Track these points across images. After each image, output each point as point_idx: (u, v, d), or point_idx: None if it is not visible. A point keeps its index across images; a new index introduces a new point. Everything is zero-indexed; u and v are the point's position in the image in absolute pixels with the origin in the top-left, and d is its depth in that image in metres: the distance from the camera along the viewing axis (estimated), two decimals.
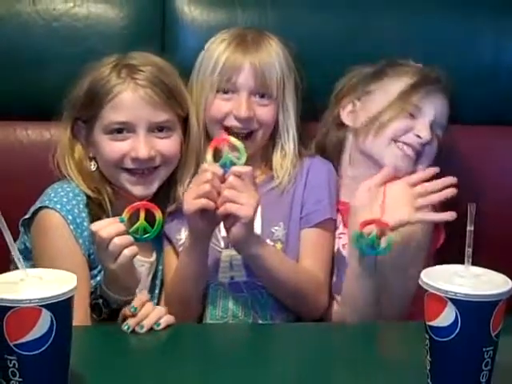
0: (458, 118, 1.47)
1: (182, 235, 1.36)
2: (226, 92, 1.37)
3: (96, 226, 1.14)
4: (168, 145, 1.32)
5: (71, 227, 1.27)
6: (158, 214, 1.17)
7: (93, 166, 1.34)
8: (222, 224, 1.27)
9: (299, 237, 1.37)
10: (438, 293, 0.88)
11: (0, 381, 0.87)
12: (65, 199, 1.29)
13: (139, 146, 1.28)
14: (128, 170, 1.31)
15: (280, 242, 1.35)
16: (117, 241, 1.12)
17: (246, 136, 1.37)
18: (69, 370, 0.90)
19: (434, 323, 0.90)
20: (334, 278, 1.39)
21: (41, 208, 1.29)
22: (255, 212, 1.20)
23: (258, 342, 1.14)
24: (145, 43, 1.52)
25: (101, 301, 1.17)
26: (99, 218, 1.22)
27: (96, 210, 1.29)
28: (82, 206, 1.30)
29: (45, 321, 0.85)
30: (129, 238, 1.13)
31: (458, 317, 0.87)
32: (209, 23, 1.52)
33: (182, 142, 1.36)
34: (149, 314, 1.13)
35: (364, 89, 1.45)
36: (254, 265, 1.29)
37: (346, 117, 1.45)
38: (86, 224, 1.28)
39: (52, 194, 1.30)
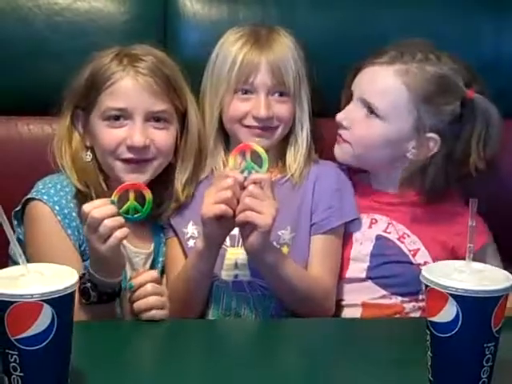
0: None
1: (189, 229, 1.35)
2: (244, 92, 1.37)
3: (88, 206, 1.13)
4: (163, 136, 1.31)
5: (58, 217, 1.27)
6: (148, 194, 1.17)
7: (88, 156, 1.33)
8: None
9: (307, 242, 1.36)
10: (438, 288, 0.88)
11: (1, 375, 0.88)
12: (52, 190, 1.29)
13: (135, 133, 1.28)
14: (123, 160, 1.30)
15: (286, 245, 1.34)
16: (108, 222, 1.11)
17: (266, 129, 1.37)
18: (70, 364, 0.90)
19: (435, 319, 0.90)
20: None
21: (29, 200, 1.30)
22: (274, 221, 1.19)
23: (263, 338, 1.14)
24: (146, 38, 1.51)
25: (89, 285, 1.17)
26: None
27: (83, 202, 1.26)
28: (69, 197, 1.30)
29: (46, 316, 0.85)
30: (120, 220, 1.13)
31: (459, 312, 0.87)
32: (210, 18, 1.52)
33: (179, 137, 1.35)
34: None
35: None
36: (268, 273, 1.27)
37: None
38: (74, 214, 1.28)
39: (40, 186, 1.31)
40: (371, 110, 1.36)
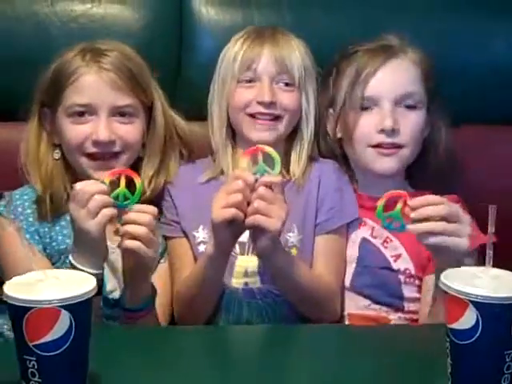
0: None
1: (200, 233, 1.35)
2: (248, 81, 1.37)
3: (80, 183, 1.14)
4: (129, 130, 1.32)
5: (15, 225, 1.26)
6: (138, 182, 1.16)
7: (56, 155, 1.34)
8: None
9: (313, 243, 1.36)
10: (458, 295, 0.87)
11: (20, 381, 0.87)
12: (10, 200, 1.31)
13: (100, 128, 1.28)
14: (89, 155, 1.30)
15: (295, 248, 1.34)
16: (98, 197, 1.11)
17: (272, 120, 1.36)
18: (88, 370, 0.90)
19: (454, 326, 0.89)
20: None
21: None
22: (283, 224, 1.17)
23: (274, 344, 1.13)
24: (162, 44, 1.54)
25: None
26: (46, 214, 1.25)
27: (43, 207, 1.29)
28: (27, 204, 1.31)
29: (64, 321, 0.85)
30: (110, 199, 1.13)
31: (478, 319, 0.86)
32: (225, 23, 1.53)
33: (145, 131, 1.35)
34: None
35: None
36: (279, 276, 1.27)
37: (332, 129, 1.44)
38: (31, 220, 1.30)
39: (2, 201, 1.32)
40: (407, 104, 1.38)
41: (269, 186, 1.16)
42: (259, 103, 1.35)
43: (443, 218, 1.11)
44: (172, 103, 1.53)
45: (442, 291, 0.90)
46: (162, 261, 1.37)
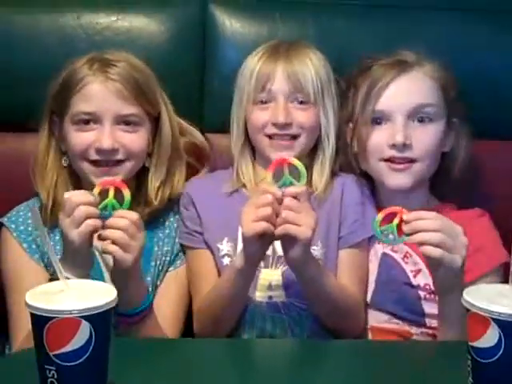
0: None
1: (225, 245, 1.35)
2: (263, 102, 1.37)
3: (69, 193, 1.18)
4: (133, 139, 1.33)
5: (14, 234, 1.32)
6: (127, 193, 1.17)
7: (64, 162, 1.36)
8: None
9: (336, 256, 1.35)
10: (481, 312, 0.86)
11: None
12: (14, 212, 1.36)
13: (103, 136, 1.30)
14: (93, 162, 1.32)
15: (320, 261, 1.32)
16: (83, 208, 1.14)
17: (289, 140, 1.37)
18: (107, 381, 0.90)
19: (476, 344, 0.87)
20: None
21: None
22: (313, 232, 1.18)
23: (298, 359, 1.13)
24: (186, 56, 1.55)
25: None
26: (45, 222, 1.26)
27: (44, 216, 1.30)
28: (29, 214, 1.33)
29: (84, 332, 0.85)
30: (95, 211, 1.15)
31: (501, 338, 0.85)
32: (249, 36, 1.53)
33: (150, 140, 1.36)
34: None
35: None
36: (309, 286, 1.26)
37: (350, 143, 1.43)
38: (29, 229, 1.32)
39: (13, 211, 1.36)
40: (421, 118, 1.36)
41: (294, 196, 1.17)
42: (274, 125, 1.35)
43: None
44: (197, 115, 1.55)
45: (463, 308, 0.89)
46: (170, 268, 1.37)
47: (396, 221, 1.14)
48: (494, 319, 0.85)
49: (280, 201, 1.17)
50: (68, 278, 1.09)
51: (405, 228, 1.14)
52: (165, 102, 1.39)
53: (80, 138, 1.31)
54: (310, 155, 1.41)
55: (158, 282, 1.36)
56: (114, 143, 1.30)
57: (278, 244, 1.27)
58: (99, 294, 0.89)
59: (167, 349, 1.12)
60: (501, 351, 0.85)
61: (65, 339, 0.85)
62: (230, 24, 1.55)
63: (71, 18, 1.52)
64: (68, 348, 0.85)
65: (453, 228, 1.15)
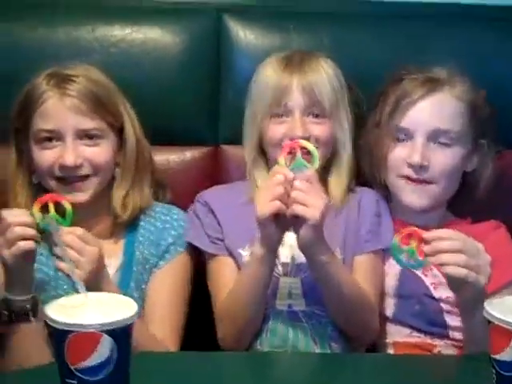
0: None
1: (247, 251, 1.35)
2: (279, 116, 1.38)
3: (6, 211, 1.16)
4: (96, 152, 1.32)
5: None
6: (67, 205, 1.15)
7: (34, 179, 1.35)
8: (280, 249, 1.26)
9: (352, 263, 1.35)
10: (503, 325, 0.86)
11: None
12: None
13: (66, 153, 1.29)
14: (59, 179, 1.31)
15: None
16: (17, 229, 1.12)
17: (306, 153, 1.37)
18: None
19: (499, 357, 0.87)
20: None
21: None
22: (323, 214, 1.18)
23: (318, 372, 1.12)
24: (200, 67, 1.55)
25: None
26: None
27: None
28: None
29: (105, 346, 0.85)
30: (31, 231, 1.13)
31: None
32: (264, 47, 1.53)
33: (115, 151, 1.36)
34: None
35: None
36: (319, 272, 1.26)
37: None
38: None
39: None
40: (442, 140, 1.35)
41: (305, 180, 1.19)
42: (292, 139, 1.34)
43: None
44: (212, 126, 1.55)
45: (485, 320, 0.89)
46: (154, 269, 1.36)
47: (414, 243, 1.13)
48: None
49: (292, 183, 1.19)
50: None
51: (425, 249, 1.12)
52: (128, 113, 1.38)
53: (43, 156, 1.31)
54: (327, 166, 1.41)
55: (143, 286, 1.35)
56: (77, 159, 1.30)
57: (297, 251, 1.28)
58: (120, 307, 0.89)
59: (187, 362, 1.12)
60: None
61: (86, 353, 0.85)
62: (244, 35, 1.55)
63: (86, 31, 1.53)
64: (89, 362, 0.85)
65: (474, 246, 1.14)
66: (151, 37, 1.55)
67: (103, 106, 1.32)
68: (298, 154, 1.22)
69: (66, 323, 0.85)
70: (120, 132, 1.37)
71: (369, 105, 1.44)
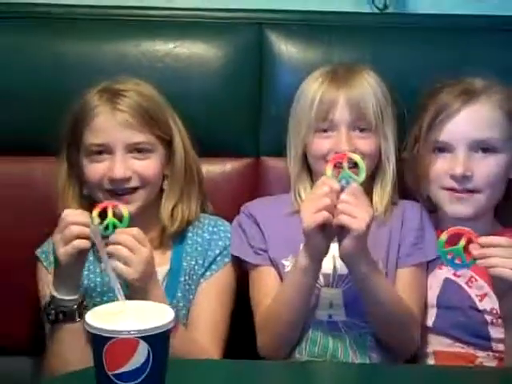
0: None
1: (290, 261, 1.35)
2: (324, 131, 1.38)
3: (67, 211, 1.21)
4: (145, 166, 1.34)
5: (44, 264, 1.37)
6: (125, 210, 1.21)
7: (85, 191, 1.38)
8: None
9: (395, 278, 1.35)
10: None
11: None
12: (46, 243, 1.39)
13: (115, 166, 1.32)
14: (108, 191, 1.34)
15: None
16: (74, 227, 1.16)
17: (351, 167, 1.37)
18: None
19: None
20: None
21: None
22: (368, 226, 1.19)
23: (358, 382, 1.12)
24: (242, 81, 1.57)
25: (48, 302, 1.22)
26: None
27: None
28: None
29: (142, 352, 0.87)
30: (86, 231, 1.16)
31: None
32: (306, 61, 1.54)
33: (164, 164, 1.38)
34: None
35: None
36: (361, 284, 1.26)
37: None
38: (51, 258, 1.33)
39: (45, 243, 1.40)
40: (485, 149, 1.35)
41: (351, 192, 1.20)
42: (337, 153, 1.35)
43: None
44: (254, 139, 1.57)
45: None
46: (201, 280, 1.37)
47: (462, 243, 1.13)
48: None
49: (338, 195, 1.20)
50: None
51: (475, 253, 1.12)
52: (177, 126, 1.41)
53: (93, 169, 1.34)
54: (371, 179, 1.41)
55: (191, 297, 1.37)
56: (126, 171, 1.32)
57: (338, 262, 1.29)
58: (157, 314, 0.90)
59: (228, 370, 1.13)
60: None
61: (123, 359, 0.87)
62: (286, 49, 1.57)
63: (131, 46, 1.56)
64: (126, 368, 0.87)
65: None
66: (195, 51, 1.57)
67: (153, 120, 1.35)
68: (345, 165, 1.23)
69: (105, 329, 0.87)
70: (169, 145, 1.39)
71: (410, 118, 1.44)
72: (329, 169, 1.23)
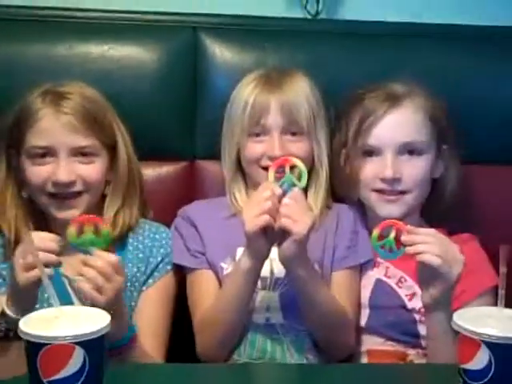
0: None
1: (228, 264, 1.36)
2: (257, 135, 1.39)
3: (35, 234, 1.14)
4: (89, 170, 1.33)
5: None
6: (106, 228, 1.17)
7: (24, 194, 1.36)
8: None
9: (330, 280, 1.37)
10: (471, 335, 0.87)
11: None
12: None
13: (59, 170, 1.30)
14: (51, 195, 1.32)
15: None
16: (42, 256, 1.08)
17: (284, 172, 1.38)
18: None
19: (467, 366, 0.88)
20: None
21: None
22: (309, 231, 1.21)
23: (296, 382, 1.13)
24: (177, 85, 1.56)
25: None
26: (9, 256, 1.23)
27: (7, 249, 1.30)
28: None
29: (78, 358, 0.86)
30: (54, 259, 1.12)
31: (491, 360, 0.86)
32: (240, 66, 1.55)
33: (108, 169, 1.37)
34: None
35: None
36: (298, 287, 1.28)
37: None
38: None
39: None
40: (411, 151, 1.39)
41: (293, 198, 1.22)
42: (270, 158, 1.37)
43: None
44: (189, 142, 1.56)
45: (454, 331, 0.90)
46: (143, 288, 1.37)
47: (393, 234, 1.18)
48: (483, 341, 0.86)
49: (280, 199, 1.21)
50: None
51: (403, 239, 1.17)
52: (121, 131, 1.40)
53: (36, 172, 1.31)
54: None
55: (133, 303, 1.36)
56: (71, 175, 1.30)
57: (276, 265, 1.30)
58: (93, 320, 0.89)
59: (166, 374, 1.12)
60: (491, 373, 0.86)
61: (59, 365, 0.85)
62: (221, 52, 1.57)
63: (63, 47, 1.54)
64: (62, 374, 0.85)
65: (450, 244, 1.19)
66: (128, 54, 1.56)
67: (97, 124, 1.33)
68: (287, 170, 1.24)
69: (39, 335, 0.85)
70: (112, 149, 1.38)
71: (334, 124, 1.46)
72: (271, 173, 1.24)
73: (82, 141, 1.32)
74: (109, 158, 1.37)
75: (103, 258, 1.15)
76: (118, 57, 1.55)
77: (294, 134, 1.39)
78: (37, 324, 0.88)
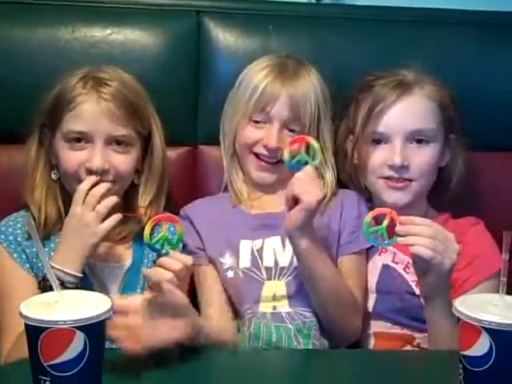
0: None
1: (227, 259, 1.37)
2: (258, 122, 1.39)
3: (85, 184, 1.25)
4: (123, 160, 1.33)
5: (4, 244, 1.31)
6: (179, 228, 1.18)
7: (54, 175, 1.35)
8: (263, 254, 1.32)
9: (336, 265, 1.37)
10: (472, 322, 0.87)
11: None
12: (3, 223, 1.34)
13: (95, 156, 1.29)
14: (82, 181, 1.30)
15: None
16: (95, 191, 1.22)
17: (273, 163, 1.39)
18: None
19: (468, 352, 0.88)
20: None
21: None
22: (318, 204, 1.23)
23: (299, 369, 1.14)
24: (179, 69, 1.56)
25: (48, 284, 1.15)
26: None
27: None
28: (19, 225, 1.33)
29: (78, 342, 0.86)
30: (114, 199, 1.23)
31: (492, 346, 0.86)
32: (243, 50, 1.55)
33: (140, 160, 1.37)
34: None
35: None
36: (302, 260, 1.29)
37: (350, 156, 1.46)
38: (19, 239, 1.31)
39: (1, 223, 1.35)
40: (420, 139, 1.39)
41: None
42: (264, 146, 1.37)
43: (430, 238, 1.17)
44: (191, 127, 1.56)
45: (455, 317, 0.90)
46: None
47: (386, 222, 1.17)
48: (484, 328, 0.86)
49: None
50: (65, 288, 1.12)
51: (397, 229, 1.16)
52: (155, 121, 1.39)
53: (72, 157, 1.31)
54: None
55: None
56: (105, 163, 1.30)
57: (279, 256, 1.33)
58: (94, 304, 0.89)
59: (166, 359, 1.11)
60: (492, 359, 0.86)
61: (59, 350, 0.85)
62: (224, 37, 1.56)
63: (66, 31, 1.53)
64: (62, 358, 0.86)
65: (444, 234, 1.18)
66: (131, 38, 1.55)
67: (135, 113, 1.33)
68: (302, 148, 1.26)
69: (40, 320, 0.85)
70: (145, 139, 1.37)
71: (340, 110, 1.46)
72: (286, 151, 1.26)
73: (120, 130, 1.31)
74: (142, 148, 1.37)
75: (181, 261, 1.14)
76: (121, 41, 1.54)
77: (292, 131, 1.38)
78: (38, 308, 0.88)
